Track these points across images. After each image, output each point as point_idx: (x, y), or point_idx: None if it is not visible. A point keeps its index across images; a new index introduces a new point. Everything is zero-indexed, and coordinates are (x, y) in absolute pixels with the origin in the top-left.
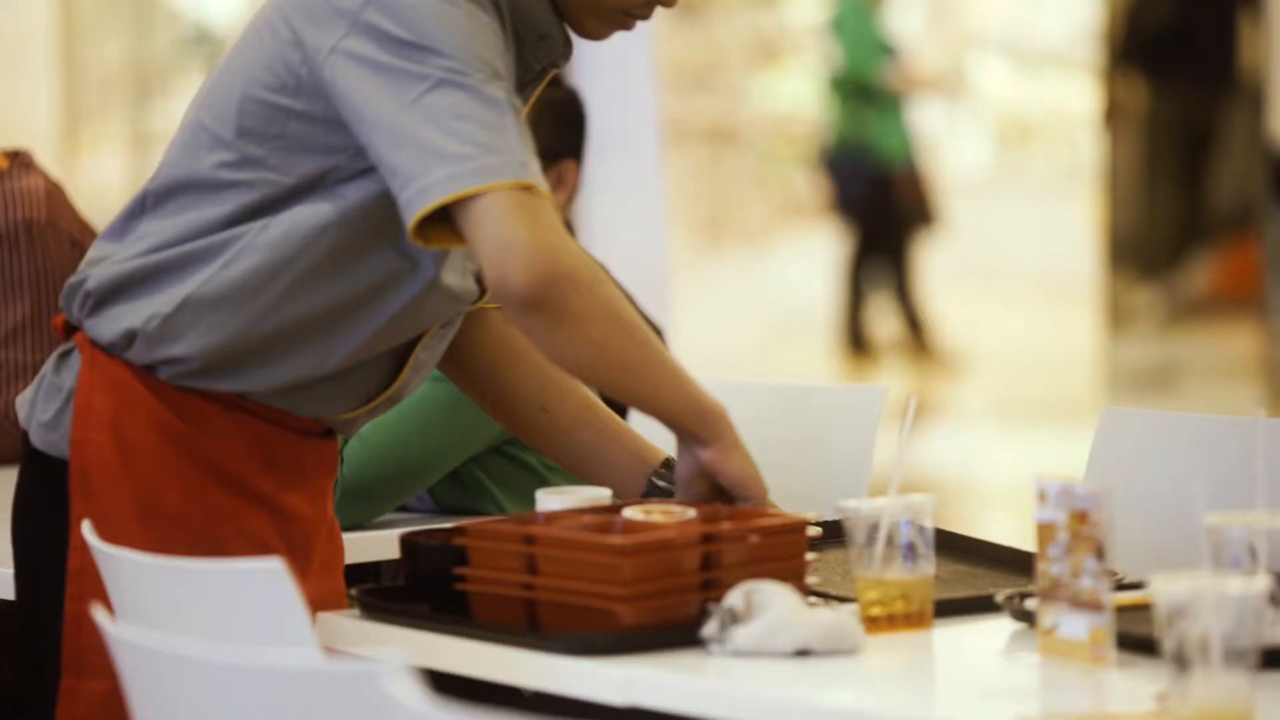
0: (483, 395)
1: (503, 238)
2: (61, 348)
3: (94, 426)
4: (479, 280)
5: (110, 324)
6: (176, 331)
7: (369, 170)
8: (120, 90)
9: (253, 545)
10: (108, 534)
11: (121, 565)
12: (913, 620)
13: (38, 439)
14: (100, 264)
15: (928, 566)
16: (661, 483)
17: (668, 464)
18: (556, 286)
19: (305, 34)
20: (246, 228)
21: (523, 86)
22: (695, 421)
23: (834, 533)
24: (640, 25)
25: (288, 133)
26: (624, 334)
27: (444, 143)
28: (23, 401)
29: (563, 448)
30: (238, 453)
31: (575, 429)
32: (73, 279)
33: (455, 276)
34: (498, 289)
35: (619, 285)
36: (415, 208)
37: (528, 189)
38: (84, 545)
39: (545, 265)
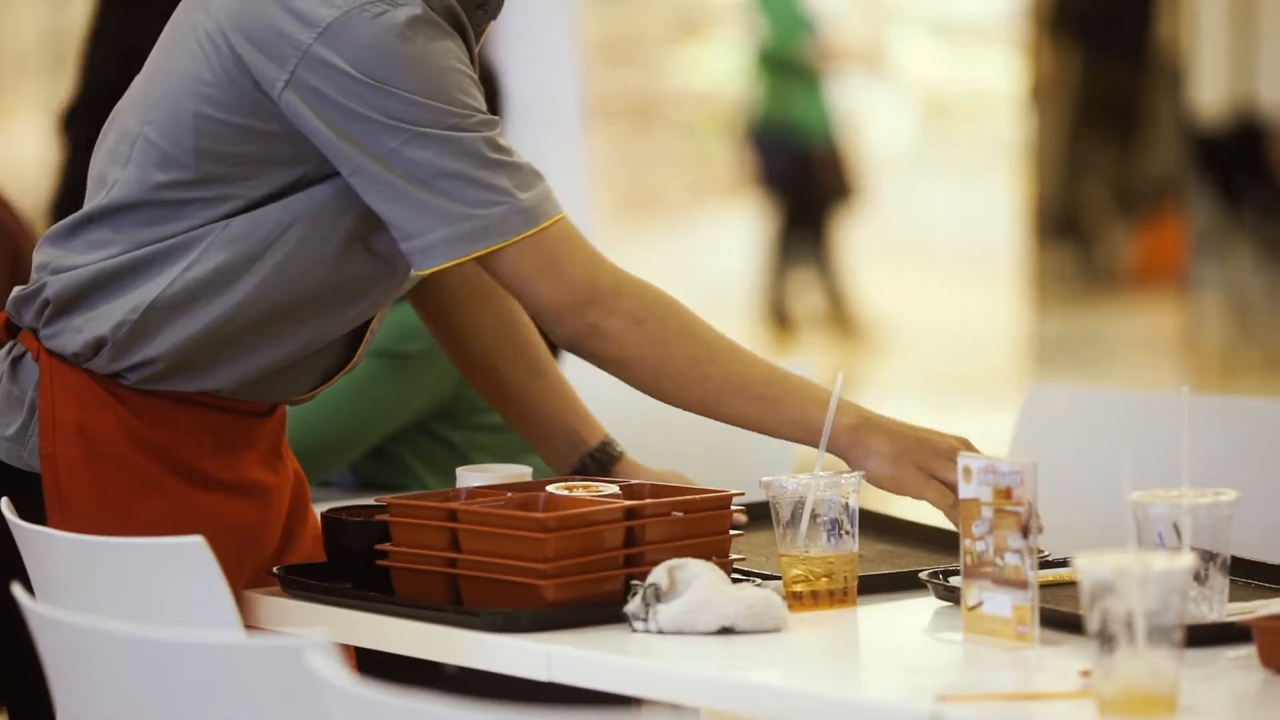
0: (443, 337)
1: (528, 299)
2: (11, 351)
3: (61, 440)
4: None
5: (74, 334)
6: (146, 335)
7: (338, 175)
8: (37, 63)
9: (239, 535)
10: None
11: (42, 543)
12: (836, 598)
13: (4, 452)
14: (54, 270)
15: (852, 543)
16: (591, 464)
17: (604, 446)
18: (585, 342)
19: (251, 61)
20: (211, 228)
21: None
22: (801, 439)
23: (759, 514)
24: (563, 1)
25: (251, 149)
26: (675, 372)
27: (436, 200)
28: None
29: (508, 409)
30: (203, 448)
31: (521, 394)
32: (25, 287)
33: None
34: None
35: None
36: (420, 265)
37: (536, 233)
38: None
39: (573, 323)
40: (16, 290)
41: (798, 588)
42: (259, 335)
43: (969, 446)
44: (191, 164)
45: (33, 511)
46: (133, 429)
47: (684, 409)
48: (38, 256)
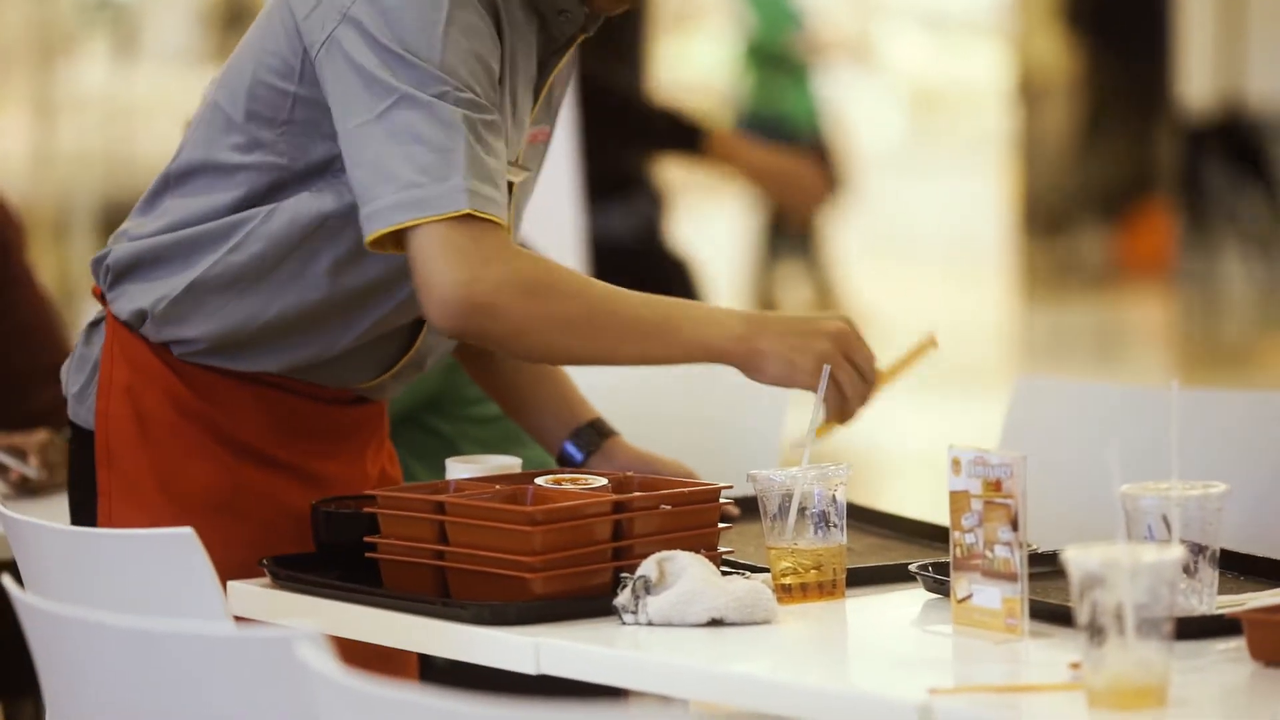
0: None
1: (424, 276)
2: (93, 316)
3: (115, 399)
4: None
5: (126, 301)
6: (183, 315)
7: None
8: (23, 55)
9: (283, 515)
10: (132, 506)
11: (30, 534)
12: (825, 590)
13: (70, 410)
14: (123, 237)
15: (840, 536)
16: (579, 441)
17: (594, 424)
18: (471, 320)
19: (302, 23)
20: (254, 213)
21: (547, 59)
22: (706, 362)
23: (747, 507)
24: None
25: (294, 117)
26: (570, 333)
27: (395, 166)
28: (64, 370)
29: (498, 388)
30: (258, 425)
31: (511, 380)
32: (100, 251)
33: None
34: (429, 322)
35: None
36: (366, 230)
37: (463, 218)
38: (110, 517)
39: (457, 304)
40: (97, 253)
41: (786, 580)
42: (295, 327)
43: (850, 324)
44: (243, 126)
45: (89, 468)
46: (180, 397)
47: (587, 363)
48: (124, 224)
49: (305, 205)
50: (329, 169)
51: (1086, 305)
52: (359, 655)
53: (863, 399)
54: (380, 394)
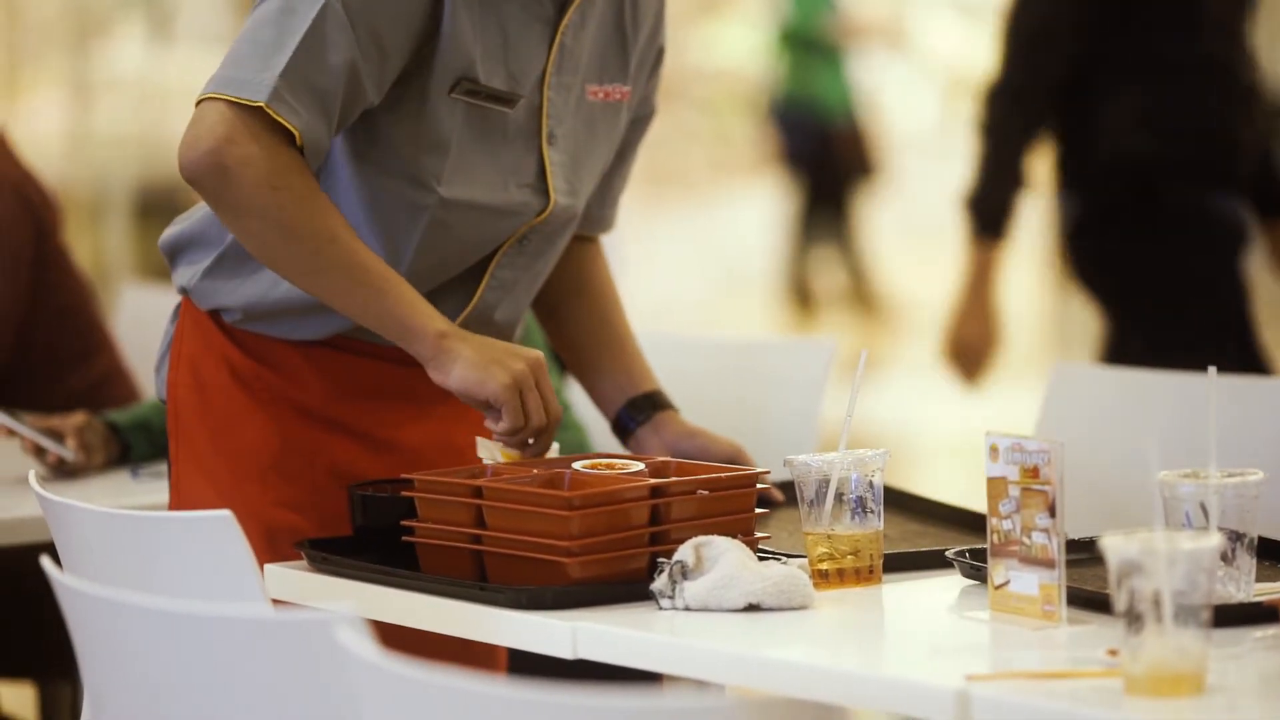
0: None
1: (192, 130)
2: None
3: (181, 370)
4: (542, 193)
5: (177, 278)
6: (216, 288)
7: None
8: (59, 37)
9: (340, 476)
10: (195, 471)
11: (68, 516)
12: (862, 576)
13: (155, 383)
14: (179, 220)
15: (877, 522)
16: (628, 413)
17: (650, 396)
18: (208, 175)
19: None
20: None
21: (563, 2)
22: (398, 338)
23: (791, 494)
24: None
25: None
26: (284, 237)
27: (239, 47)
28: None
29: (566, 351)
30: (316, 386)
31: (579, 341)
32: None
33: (484, 191)
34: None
35: None
36: (202, 90)
37: (257, 110)
38: (179, 485)
39: (204, 154)
40: None
41: (823, 566)
42: (316, 303)
43: (538, 366)
44: None
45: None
46: (234, 360)
47: (291, 279)
48: None
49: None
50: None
51: None
52: (449, 651)
53: (542, 429)
54: None
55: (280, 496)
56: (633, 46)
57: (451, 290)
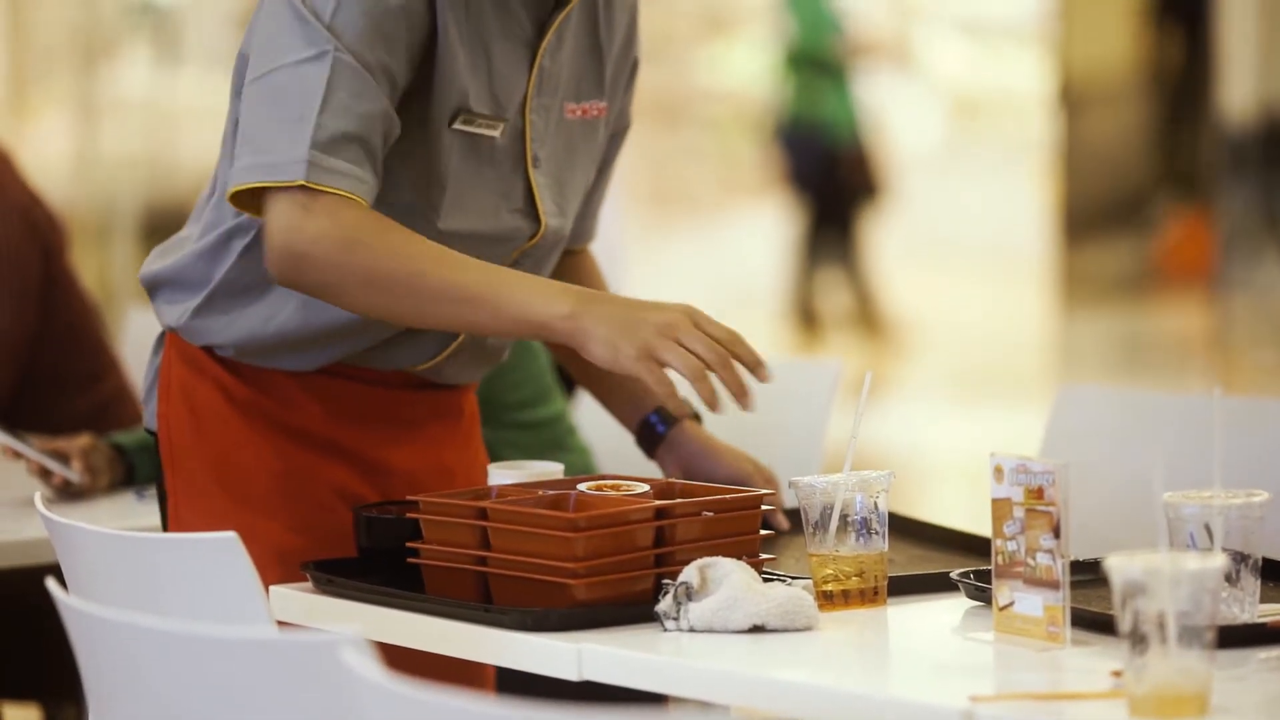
0: None
1: (266, 228)
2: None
3: (174, 400)
4: (532, 217)
5: (163, 315)
6: (203, 331)
7: None
8: (66, 58)
9: (338, 498)
10: (193, 502)
11: (74, 537)
12: (867, 597)
13: (145, 419)
14: (162, 254)
15: (882, 543)
16: (652, 424)
17: (663, 410)
18: (292, 269)
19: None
20: (240, 224)
21: (545, 18)
22: (531, 337)
23: (797, 520)
24: None
25: None
26: (380, 290)
27: (256, 129)
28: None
29: (575, 367)
30: (311, 410)
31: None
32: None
33: (478, 220)
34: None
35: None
36: (230, 185)
37: (301, 186)
38: (178, 517)
39: (279, 253)
40: None
41: (828, 587)
42: (307, 332)
43: (691, 316)
44: (234, 104)
45: (161, 473)
46: (230, 387)
47: (405, 323)
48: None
49: None
50: None
51: (1127, 312)
52: (436, 670)
53: (709, 369)
54: (441, 376)
55: (282, 521)
56: (607, 62)
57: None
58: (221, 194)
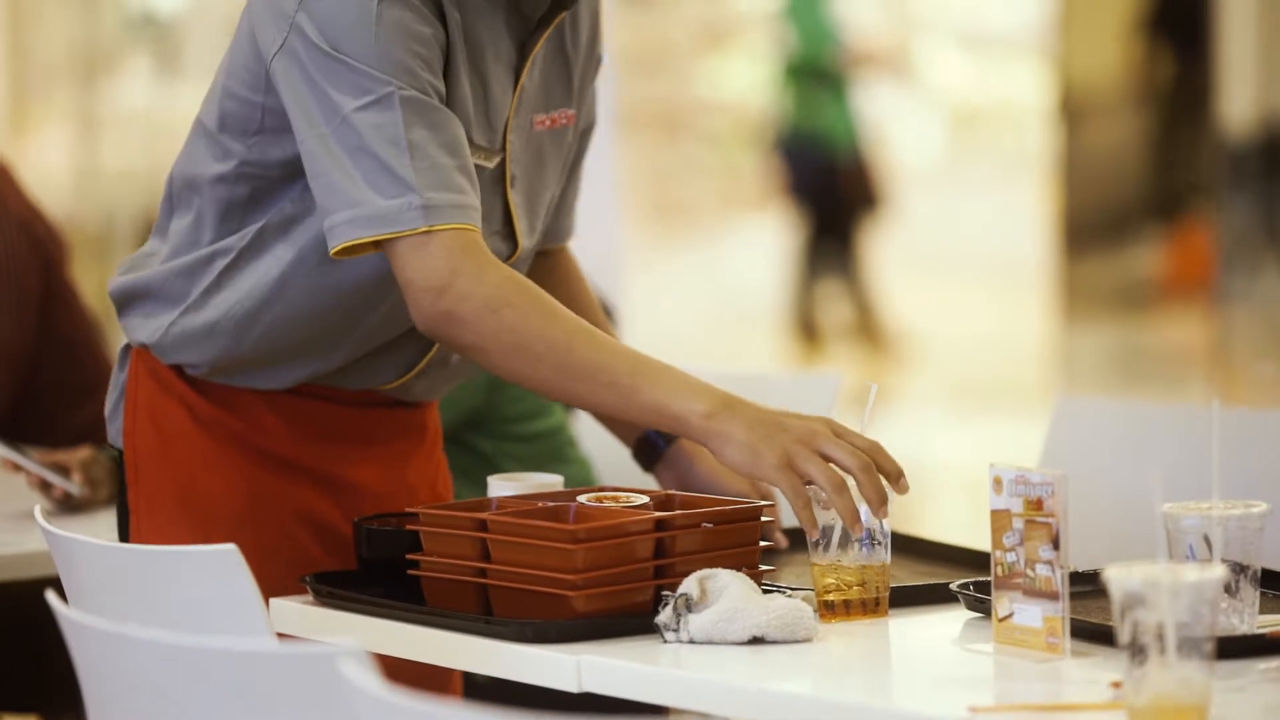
0: None
1: (403, 285)
2: (125, 341)
3: (139, 418)
4: (510, 238)
5: (132, 331)
6: (177, 347)
7: None
8: (66, 72)
9: (303, 521)
10: (155, 521)
11: (74, 550)
12: (869, 608)
13: (109, 433)
14: (130, 268)
15: (885, 554)
16: (654, 434)
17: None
18: (443, 327)
19: (258, 35)
20: (224, 246)
21: (526, 39)
22: (667, 430)
23: (797, 539)
24: None
25: (265, 127)
26: (528, 360)
27: (346, 183)
28: (108, 395)
29: None
30: (278, 431)
31: None
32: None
33: None
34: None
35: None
36: (330, 243)
37: (426, 232)
38: (140, 535)
39: (429, 312)
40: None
41: (830, 597)
42: (289, 352)
43: (831, 427)
44: (217, 138)
45: (124, 487)
46: (197, 408)
47: (546, 394)
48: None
49: (267, 268)
50: (302, 174)
51: (1127, 324)
52: (404, 674)
53: (866, 487)
54: (409, 395)
55: (249, 544)
56: (574, 69)
57: (409, 338)
58: (199, 215)
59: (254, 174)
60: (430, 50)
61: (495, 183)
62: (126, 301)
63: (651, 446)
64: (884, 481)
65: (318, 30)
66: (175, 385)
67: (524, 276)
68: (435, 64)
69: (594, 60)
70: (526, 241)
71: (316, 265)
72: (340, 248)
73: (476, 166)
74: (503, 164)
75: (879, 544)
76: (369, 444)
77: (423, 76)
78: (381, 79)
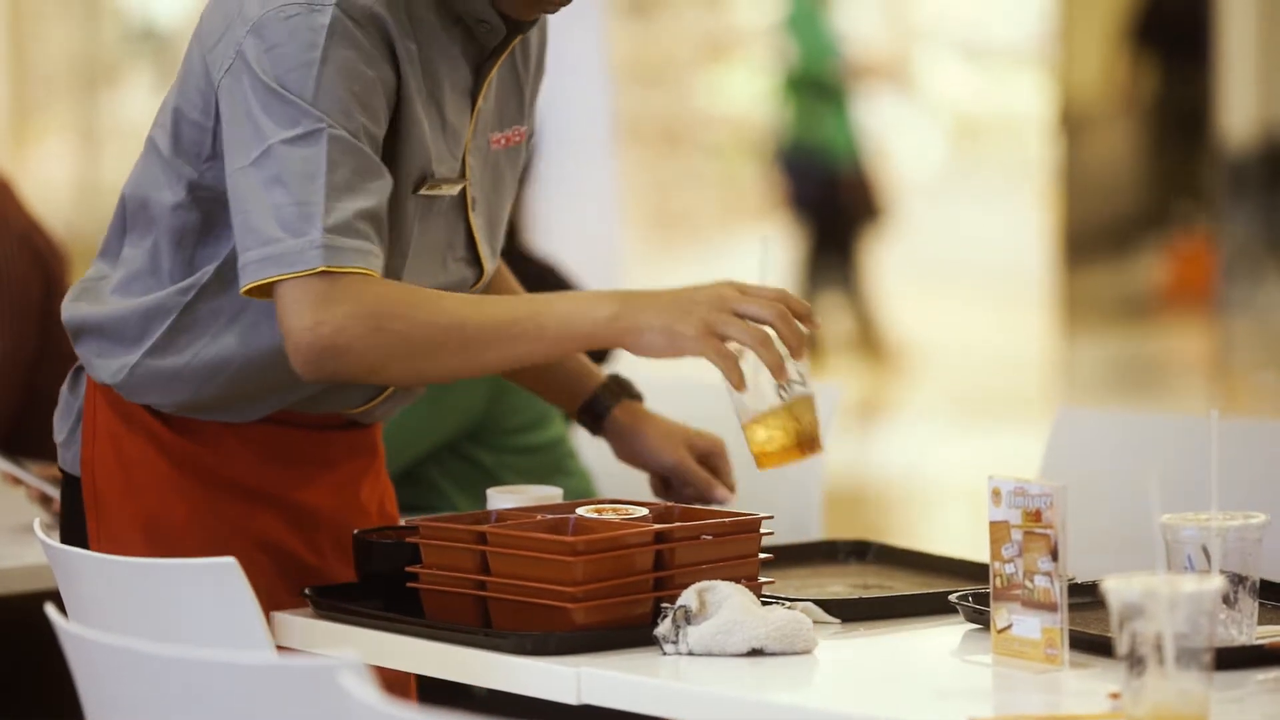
0: None
1: (283, 330)
2: (78, 363)
3: (100, 446)
4: (475, 263)
5: (91, 368)
6: (141, 390)
7: None
8: (67, 85)
9: (266, 549)
10: (116, 551)
11: (74, 563)
12: (805, 445)
13: (59, 457)
14: (82, 294)
15: (806, 388)
16: (598, 400)
17: (597, 397)
18: (324, 363)
19: (209, 58)
20: (183, 285)
21: (482, 64)
22: (583, 349)
23: (787, 556)
24: (592, 23)
25: (217, 151)
26: (425, 356)
27: (258, 220)
28: (55, 417)
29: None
30: (242, 458)
31: None
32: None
33: (431, 277)
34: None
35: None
36: (241, 281)
37: (319, 274)
38: None
39: (306, 350)
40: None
41: (767, 447)
42: (252, 393)
43: (735, 286)
44: (171, 162)
45: (79, 515)
46: (162, 437)
47: (460, 377)
48: (90, 269)
49: (228, 303)
50: None
51: (1127, 335)
52: None
53: (786, 335)
54: (371, 416)
55: None
56: (525, 85)
57: None
58: (155, 244)
59: (206, 198)
60: (372, 94)
61: (457, 209)
62: (81, 333)
63: (594, 413)
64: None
65: (262, 58)
66: (137, 413)
67: (390, 281)
68: (376, 109)
69: (541, 70)
70: (490, 265)
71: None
72: (249, 287)
73: (437, 197)
74: (464, 189)
75: (799, 384)
76: (325, 466)
77: (358, 119)
78: (314, 114)
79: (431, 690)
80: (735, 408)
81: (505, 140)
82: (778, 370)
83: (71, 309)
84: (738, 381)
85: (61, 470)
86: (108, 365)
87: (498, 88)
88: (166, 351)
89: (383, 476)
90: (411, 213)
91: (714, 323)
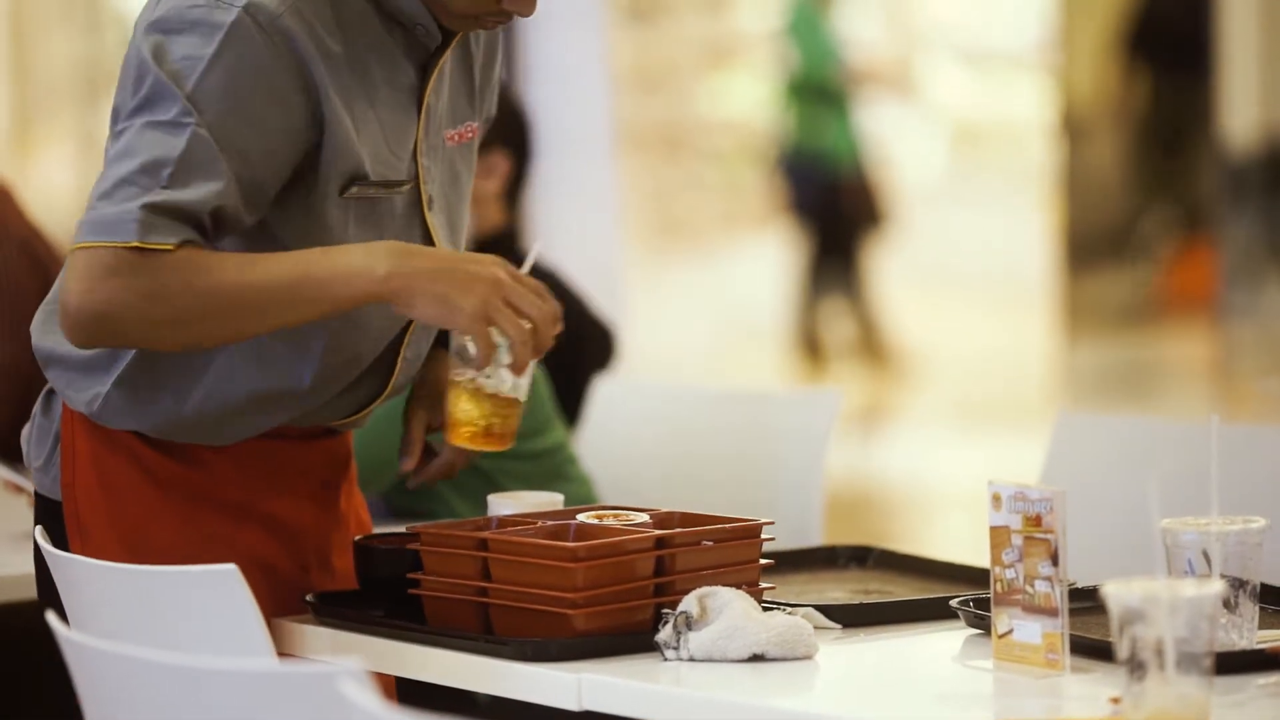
0: None
1: (61, 288)
2: (48, 385)
3: (80, 470)
4: None
5: (72, 401)
6: (111, 417)
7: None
8: (69, 93)
9: (251, 564)
10: None
11: (75, 570)
12: (495, 436)
13: (35, 482)
14: (49, 319)
15: (523, 391)
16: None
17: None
18: (92, 331)
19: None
20: None
21: (427, 62)
22: (360, 304)
23: (786, 562)
24: (593, 29)
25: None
26: (196, 323)
27: (100, 185)
28: (24, 439)
29: None
30: (225, 472)
31: None
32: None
33: None
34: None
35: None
36: (75, 238)
37: (128, 248)
38: None
39: (74, 317)
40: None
41: (464, 419)
42: (231, 415)
43: (506, 270)
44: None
45: (59, 539)
46: (145, 459)
47: (235, 341)
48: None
49: None
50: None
51: (1128, 340)
52: None
53: (533, 340)
54: (356, 426)
55: None
56: (477, 80)
57: (365, 380)
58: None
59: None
60: (259, 100)
61: (411, 208)
62: (50, 363)
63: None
64: None
65: (160, 41)
66: (118, 435)
67: (197, 251)
68: (261, 116)
69: (494, 55)
70: None
71: None
72: (74, 248)
73: (380, 198)
74: (416, 189)
75: (523, 383)
76: (305, 477)
77: (226, 122)
78: (185, 108)
79: (434, 697)
80: (454, 366)
81: (459, 137)
82: (520, 369)
83: (39, 337)
84: (484, 363)
85: (38, 495)
86: (80, 396)
87: (450, 84)
88: (136, 380)
89: (355, 485)
90: (339, 215)
91: (493, 311)
